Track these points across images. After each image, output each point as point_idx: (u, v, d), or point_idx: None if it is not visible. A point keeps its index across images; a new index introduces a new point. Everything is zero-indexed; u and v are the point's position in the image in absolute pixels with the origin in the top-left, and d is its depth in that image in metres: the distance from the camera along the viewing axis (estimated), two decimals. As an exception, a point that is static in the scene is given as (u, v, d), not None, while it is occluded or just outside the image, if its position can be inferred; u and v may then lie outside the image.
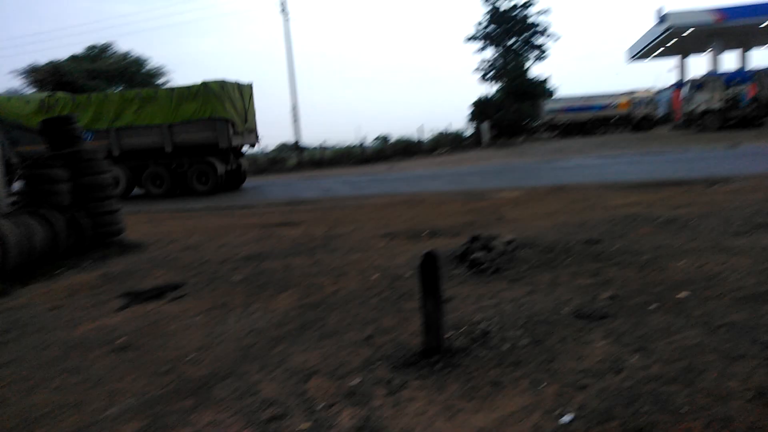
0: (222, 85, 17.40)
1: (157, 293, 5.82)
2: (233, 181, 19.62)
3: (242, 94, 18.65)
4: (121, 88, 28.23)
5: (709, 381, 2.93)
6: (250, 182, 22.47)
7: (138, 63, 29.54)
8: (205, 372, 3.60)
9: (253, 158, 32.00)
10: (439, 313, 3.31)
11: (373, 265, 6.28)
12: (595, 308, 4.21)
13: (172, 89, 18.07)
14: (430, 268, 3.30)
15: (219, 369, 3.63)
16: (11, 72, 27.17)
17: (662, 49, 28.32)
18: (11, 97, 20.68)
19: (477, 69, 35.81)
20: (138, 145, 17.96)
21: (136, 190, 19.01)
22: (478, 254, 5.66)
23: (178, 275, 6.62)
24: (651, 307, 4.16)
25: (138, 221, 11.36)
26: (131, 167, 18.24)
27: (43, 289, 6.57)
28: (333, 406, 2.96)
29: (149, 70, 29.84)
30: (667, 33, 23.95)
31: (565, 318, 4.05)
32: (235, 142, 18.30)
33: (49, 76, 25.67)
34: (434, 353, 3.34)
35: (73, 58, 28.54)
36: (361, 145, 33.08)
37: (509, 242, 6.19)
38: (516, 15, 33.88)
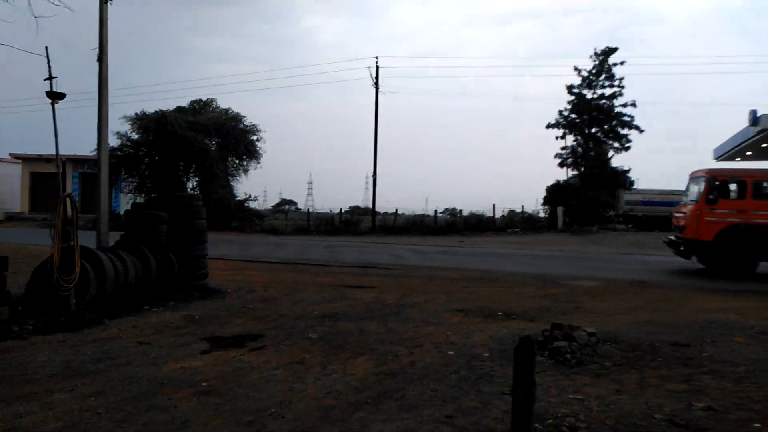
0: None
1: (238, 341, 5.99)
2: None
3: None
4: (216, 142, 30.10)
5: None
6: (324, 242, 22.96)
7: (236, 119, 31.51)
8: (286, 428, 3.64)
9: (330, 218, 32.84)
10: (531, 403, 3.23)
11: (449, 341, 6.22)
12: (691, 418, 3.97)
13: None
14: (525, 354, 3.25)
15: (300, 427, 3.66)
16: (121, 117, 29.39)
17: (752, 151, 27.28)
18: None
19: (556, 155, 35.80)
20: None
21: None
22: (560, 343, 5.50)
23: (257, 326, 6.80)
24: (755, 426, 3.88)
25: (218, 268, 11.82)
26: None
27: (131, 323, 6.90)
28: (419, 483, 2.91)
29: (245, 126, 31.67)
30: (760, 135, 23.11)
31: (659, 424, 3.84)
32: None
33: (153, 124, 27.85)
34: (522, 443, 3.23)
35: (179, 110, 30.88)
36: (435, 215, 33.29)
37: (591, 334, 5.99)
38: (602, 104, 33.92)
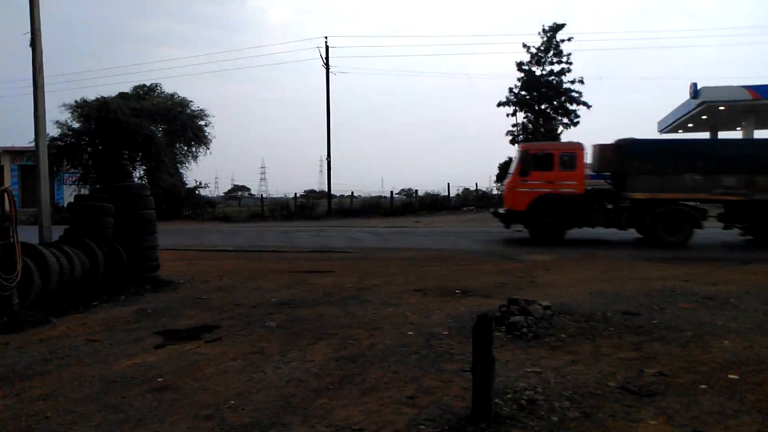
0: None
1: (193, 333, 5.84)
2: None
3: None
4: (162, 128, 29.13)
5: (772, 472, 2.82)
6: (279, 228, 22.69)
7: (182, 104, 30.53)
8: (247, 420, 3.57)
9: (284, 203, 32.44)
10: (490, 379, 3.27)
11: (408, 321, 6.24)
12: (643, 384, 4.11)
13: None
14: (483, 331, 3.28)
15: (261, 418, 3.60)
16: (61, 105, 28.07)
17: (693, 123, 28.44)
18: None
19: (508, 132, 36.17)
20: None
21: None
22: (517, 318, 5.60)
23: (213, 317, 6.65)
24: (701, 387, 4.05)
25: (170, 258, 11.50)
26: None
27: (80, 320, 6.64)
28: (383, 467, 2.91)
29: (192, 112, 30.74)
30: (700, 108, 24.12)
31: (613, 392, 3.96)
32: None
33: (95, 111, 26.71)
34: (483, 420, 3.27)
35: (121, 96, 29.69)
36: (391, 196, 33.33)
37: (547, 308, 6.12)
38: (551, 81, 34.38)
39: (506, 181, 16.21)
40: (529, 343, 5.22)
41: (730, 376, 4.29)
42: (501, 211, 16.30)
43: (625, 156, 15.10)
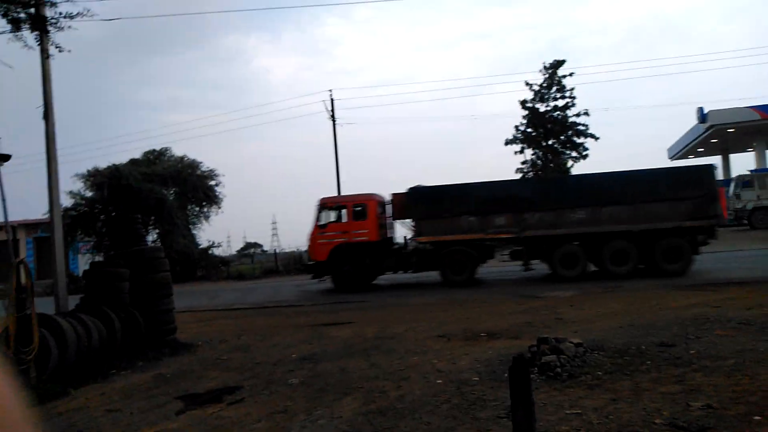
0: None
1: (214, 396, 5.66)
2: None
3: None
4: (174, 191, 29.36)
5: None
6: (293, 281, 22.51)
7: (192, 165, 30.86)
8: (277, 485, 3.37)
9: (297, 256, 32.27)
10: (532, 424, 3.07)
11: (435, 369, 6.02)
12: (692, 419, 3.87)
13: None
14: (520, 373, 3.11)
15: (291, 482, 3.40)
16: (74, 175, 28.54)
17: (704, 147, 28.35)
18: None
19: (517, 170, 36.03)
20: None
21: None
22: (549, 357, 5.37)
23: (233, 377, 6.46)
24: (755, 419, 3.80)
25: (187, 320, 11.37)
26: None
27: (98, 390, 6.48)
28: None
29: (203, 172, 31.02)
30: (709, 132, 24.04)
31: (661, 429, 3.73)
32: None
33: (107, 179, 27.07)
34: (528, 469, 3.06)
35: (132, 162, 30.11)
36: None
37: (578, 345, 5.89)
38: (556, 116, 34.46)
39: (309, 233, 16.86)
40: (564, 384, 4.98)
41: (785, 405, 4.03)
42: (309, 263, 17.01)
43: (412, 202, 15.87)
